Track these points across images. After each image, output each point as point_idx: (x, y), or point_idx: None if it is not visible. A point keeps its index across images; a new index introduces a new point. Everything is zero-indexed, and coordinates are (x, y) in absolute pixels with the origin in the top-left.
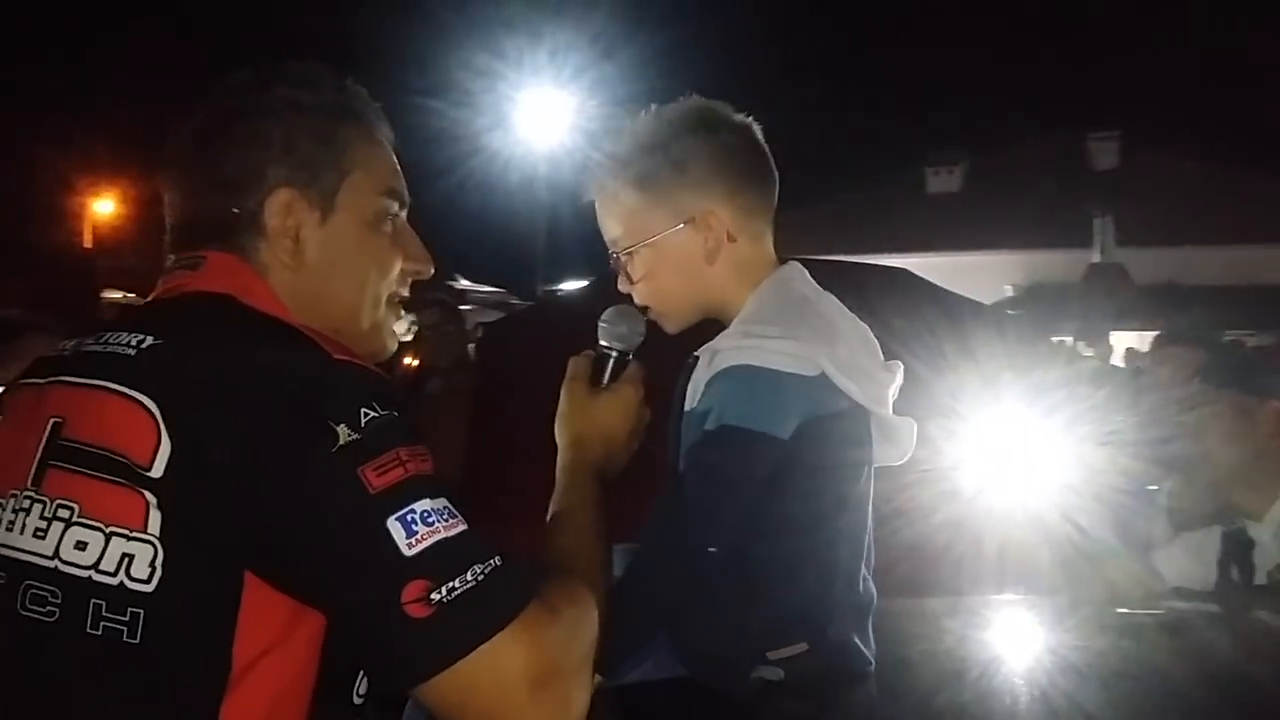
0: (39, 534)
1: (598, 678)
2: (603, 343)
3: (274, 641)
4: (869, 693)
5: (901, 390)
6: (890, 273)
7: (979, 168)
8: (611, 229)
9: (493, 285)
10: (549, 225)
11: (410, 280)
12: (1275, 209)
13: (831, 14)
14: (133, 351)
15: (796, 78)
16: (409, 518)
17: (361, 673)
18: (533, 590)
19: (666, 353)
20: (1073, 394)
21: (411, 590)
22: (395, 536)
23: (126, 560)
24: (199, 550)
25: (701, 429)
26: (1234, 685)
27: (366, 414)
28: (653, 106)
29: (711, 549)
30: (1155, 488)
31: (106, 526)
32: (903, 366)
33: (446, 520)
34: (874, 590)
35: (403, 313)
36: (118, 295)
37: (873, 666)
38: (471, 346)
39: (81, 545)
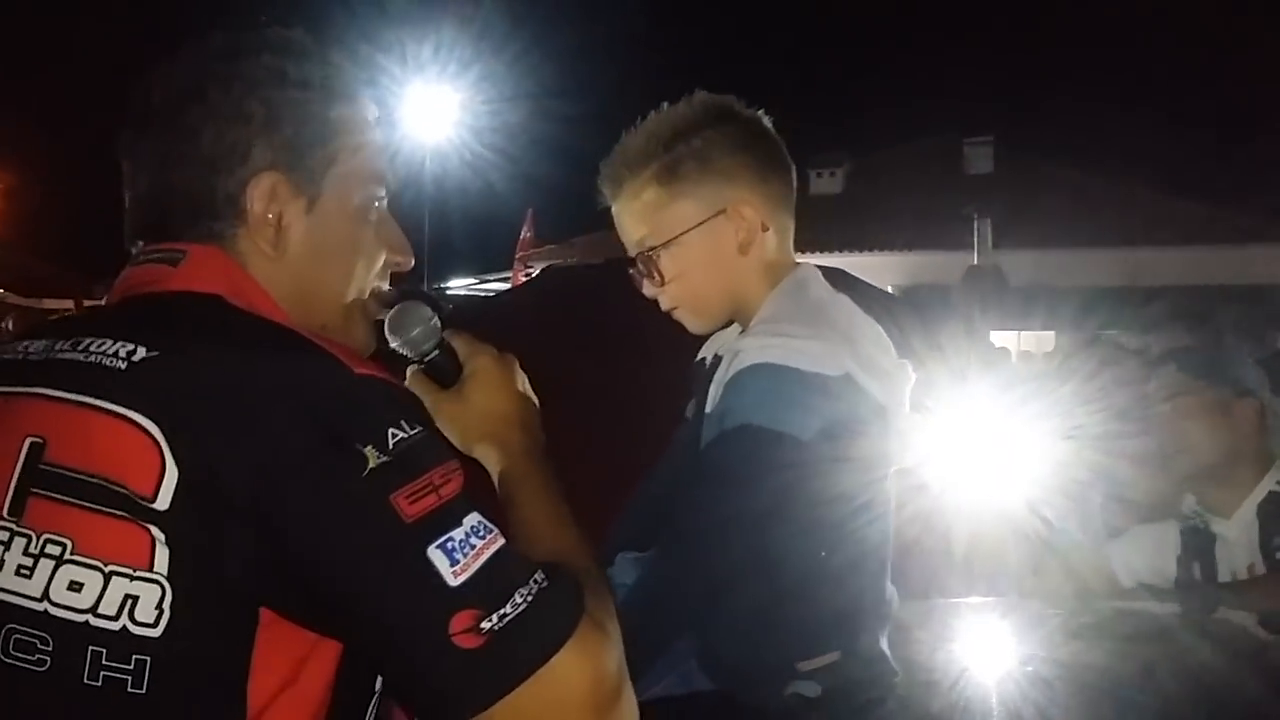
0: (23, 572)
1: None
2: (411, 356)
3: (288, 679)
4: (900, 704)
5: None
6: (830, 272)
7: (860, 170)
8: (635, 230)
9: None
10: (434, 221)
11: (389, 273)
12: (1146, 215)
13: (715, 16)
14: (124, 364)
15: (683, 80)
16: (449, 545)
17: (375, 700)
18: (582, 605)
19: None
20: (1037, 388)
21: (460, 621)
22: (439, 566)
23: (130, 602)
24: (212, 589)
25: (720, 428)
26: (1208, 689)
27: (395, 434)
28: (664, 106)
29: (733, 554)
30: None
31: (105, 565)
32: (909, 365)
33: (485, 537)
34: (896, 595)
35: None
36: None
37: (899, 677)
38: None
39: (76, 586)
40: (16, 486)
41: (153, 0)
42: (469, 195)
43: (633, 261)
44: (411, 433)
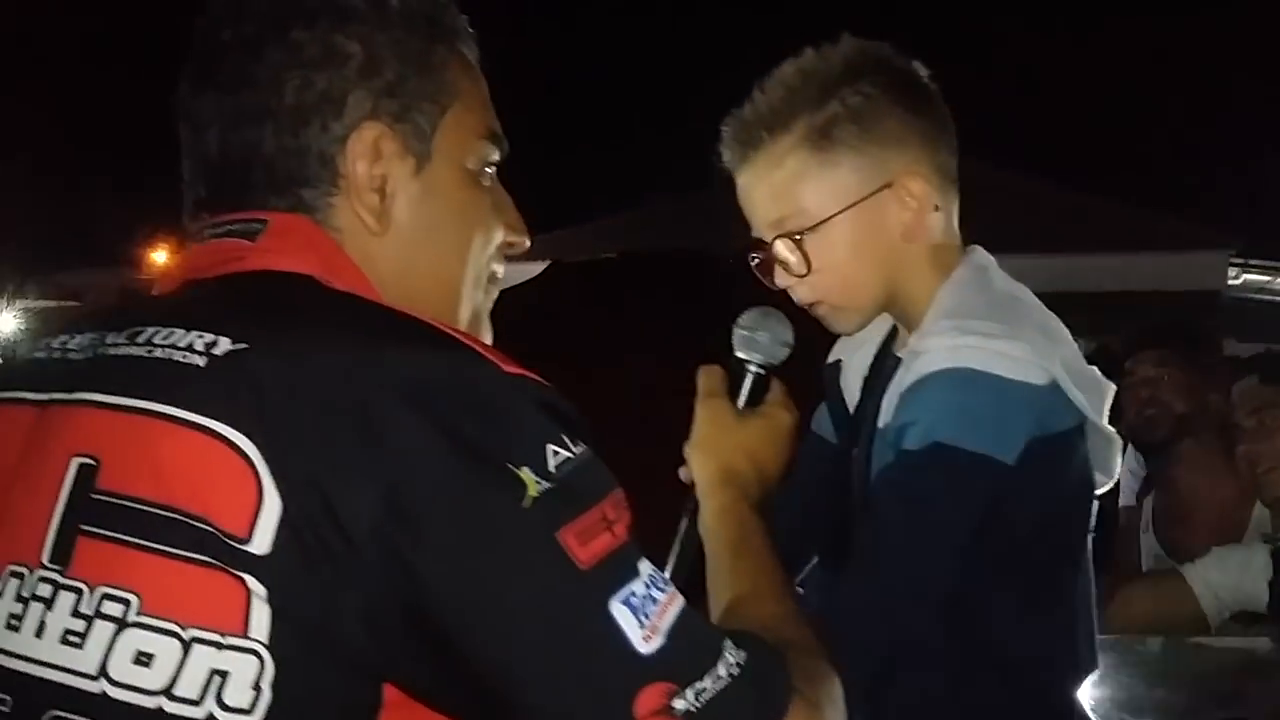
0: (72, 640)
1: None
2: (740, 355)
3: None
4: None
5: None
6: None
7: None
8: (771, 208)
9: None
10: None
11: (504, 256)
12: (1085, 221)
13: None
14: (202, 360)
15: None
16: (632, 599)
17: None
18: (790, 683)
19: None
20: None
21: (649, 699)
22: (625, 627)
23: (218, 680)
24: (324, 659)
25: (901, 447)
26: None
27: (556, 453)
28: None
29: (923, 602)
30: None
31: (184, 629)
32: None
33: (665, 591)
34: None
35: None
36: None
37: None
38: None
39: (145, 659)
40: (61, 525)
41: None
42: None
43: (758, 244)
44: (576, 452)
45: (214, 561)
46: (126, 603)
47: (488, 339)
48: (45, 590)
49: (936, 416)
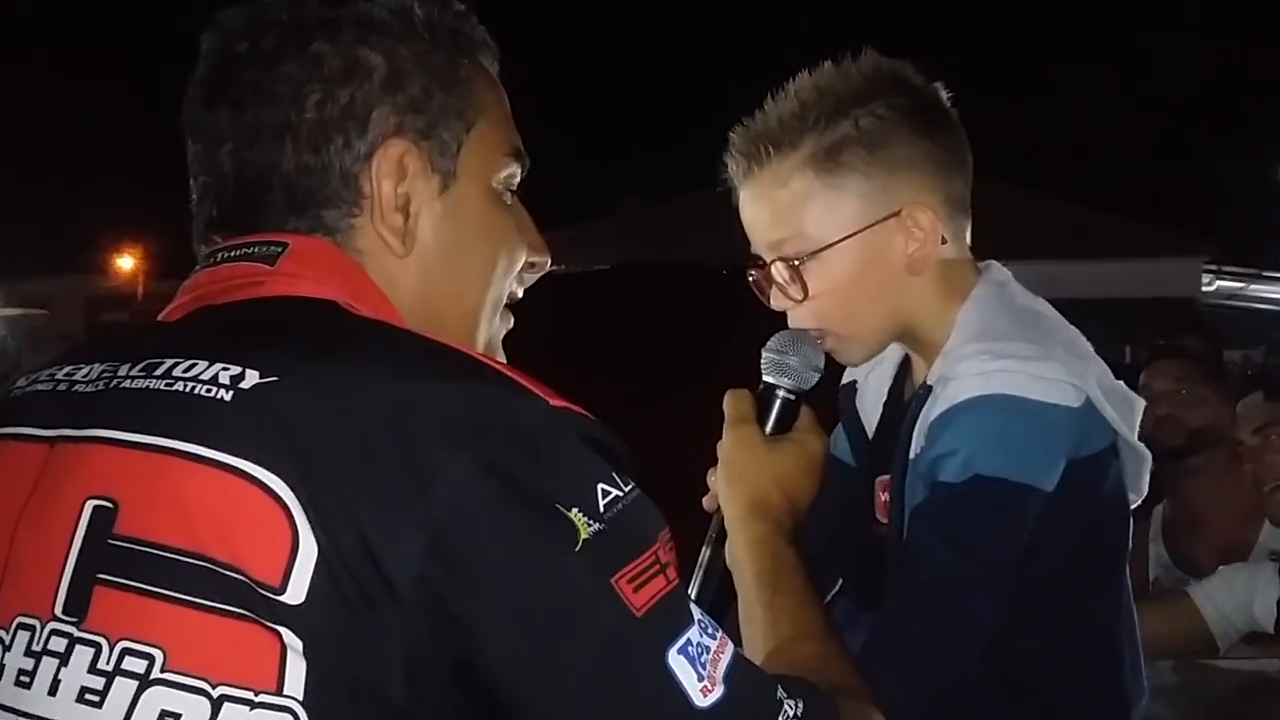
0: (90, 698)
1: None
2: (769, 379)
3: None
4: None
5: None
6: None
7: None
8: (771, 229)
9: None
10: None
11: (525, 278)
12: (1058, 228)
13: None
14: (228, 394)
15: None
16: (689, 650)
17: None
18: None
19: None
20: None
21: None
22: (683, 680)
23: None
24: (365, 716)
25: (938, 479)
26: None
27: (606, 492)
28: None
29: (973, 642)
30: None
31: (214, 687)
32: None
33: (716, 637)
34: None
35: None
36: None
37: None
38: None
39: (171, 718)
40: (76, 573)
41: None
42: None
43: (757, 263)
44: (625, 490)
45: (245, 613)
46: (150, 658)
47: (499, 356)
48: (59, 644)
49: (975, 447)
